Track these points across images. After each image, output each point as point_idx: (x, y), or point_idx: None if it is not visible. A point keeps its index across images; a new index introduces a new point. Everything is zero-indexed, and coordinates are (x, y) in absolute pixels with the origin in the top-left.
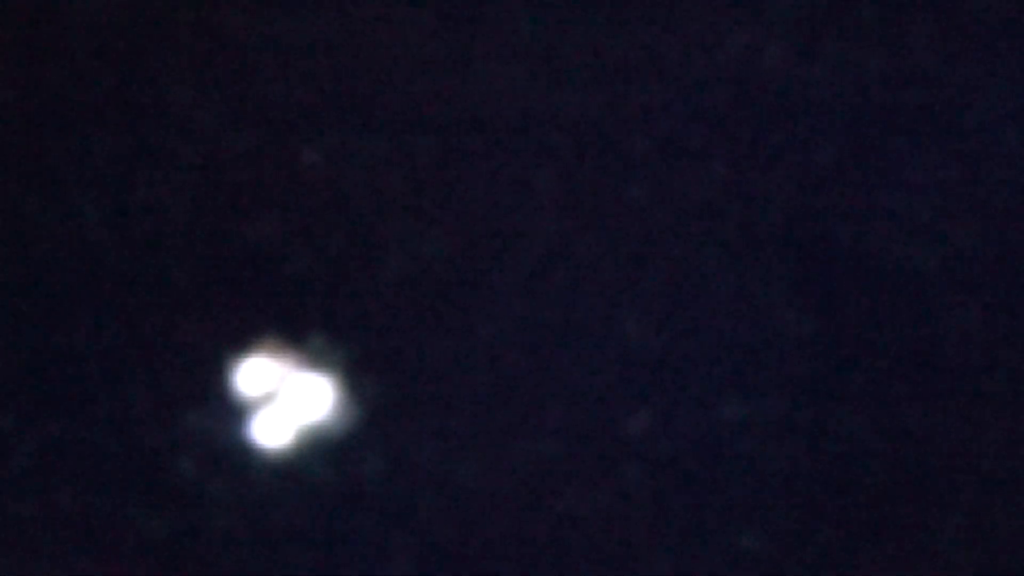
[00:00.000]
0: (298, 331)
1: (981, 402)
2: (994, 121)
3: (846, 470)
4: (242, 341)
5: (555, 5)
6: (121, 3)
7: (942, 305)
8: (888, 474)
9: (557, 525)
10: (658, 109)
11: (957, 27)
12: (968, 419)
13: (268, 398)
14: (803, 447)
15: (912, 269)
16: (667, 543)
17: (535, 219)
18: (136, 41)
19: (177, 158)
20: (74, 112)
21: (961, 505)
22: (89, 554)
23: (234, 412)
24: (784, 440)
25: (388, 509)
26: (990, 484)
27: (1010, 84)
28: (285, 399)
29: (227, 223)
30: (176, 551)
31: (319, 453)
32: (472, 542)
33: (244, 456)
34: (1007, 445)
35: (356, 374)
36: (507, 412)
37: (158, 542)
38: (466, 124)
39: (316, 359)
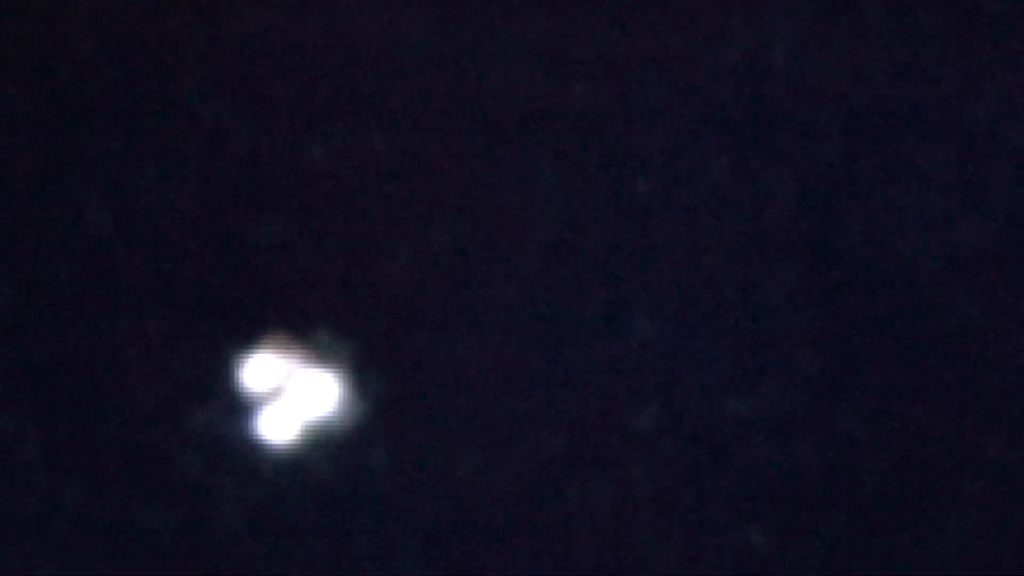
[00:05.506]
0: (304, 327)
1: (986, 399)
2: (1002, 117)
3: (852, 466)
4: (248, 337)
5: (560, 1)
6: None
7: (948, 302)
8: (894, 471)
9: (562, 521)
10: (664, 106)
11: (964, 23)
12: (973, 417)
13: (274, 394)
14: (809, 443)
15: (918, 266)
16: (673, 539)
17: (541, 216)
18: (140, 36)
19: (182, 154)
20: (78, 108)
21: (966, 502)
22: (94, 551)
23: (240, 408)
24: (790, 436)
25: (393, 505)
26: (994, 482)
27: (1018, 80)
28: (291, 395)
29: (232, 219)
30: (182, 547)
31: (325, 449)
32: (477, 538)
33: (250, 452)
34: (1012, 443)
35: (362, 370)
36: (513, 408)
37: (164, 538)
38: (472, 120)
39: (322, 355)
